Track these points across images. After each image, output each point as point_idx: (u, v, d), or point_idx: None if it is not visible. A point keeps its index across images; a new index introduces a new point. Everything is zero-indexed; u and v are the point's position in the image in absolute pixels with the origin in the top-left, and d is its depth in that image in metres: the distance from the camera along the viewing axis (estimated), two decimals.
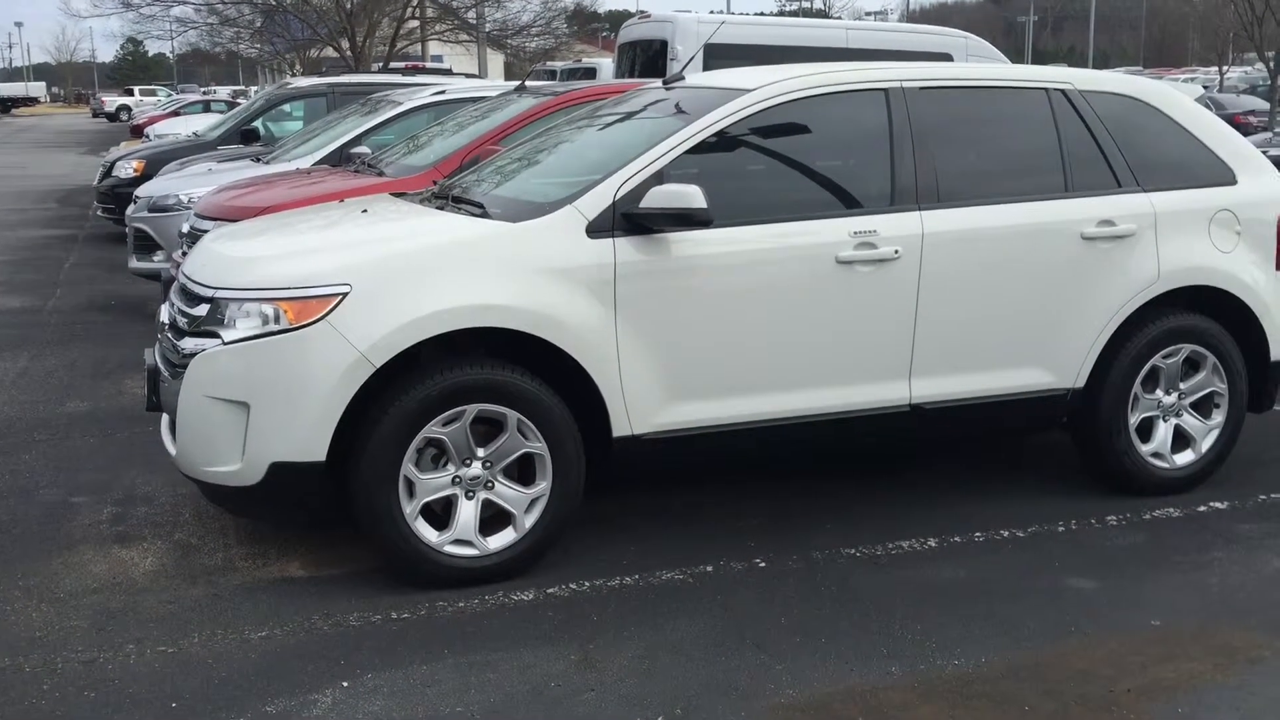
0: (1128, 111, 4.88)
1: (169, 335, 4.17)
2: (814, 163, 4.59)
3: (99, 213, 13.56)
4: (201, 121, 19.16)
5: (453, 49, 29.36)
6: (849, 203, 4.51)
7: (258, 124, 12.95)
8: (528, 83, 8.24)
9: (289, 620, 3.76)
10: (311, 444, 3.80)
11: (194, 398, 3.89)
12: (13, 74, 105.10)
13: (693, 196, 4.00)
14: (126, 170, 12.69)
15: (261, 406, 3.80)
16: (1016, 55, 43.93)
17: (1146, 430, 4.86)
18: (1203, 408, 4.93)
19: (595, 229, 4.08)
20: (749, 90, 4.46)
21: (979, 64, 10.09)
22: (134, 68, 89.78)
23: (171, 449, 4.14)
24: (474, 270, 3.95)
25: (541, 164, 4.90)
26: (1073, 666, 3.50)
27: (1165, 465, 4.88)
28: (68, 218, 15.76)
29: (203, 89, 52.18)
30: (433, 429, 3.89)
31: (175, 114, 27.30)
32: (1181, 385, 4.88)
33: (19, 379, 6.92)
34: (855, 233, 4.36)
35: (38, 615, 3.80)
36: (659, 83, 5.24)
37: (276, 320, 3.81)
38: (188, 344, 3.97)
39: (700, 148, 4.30)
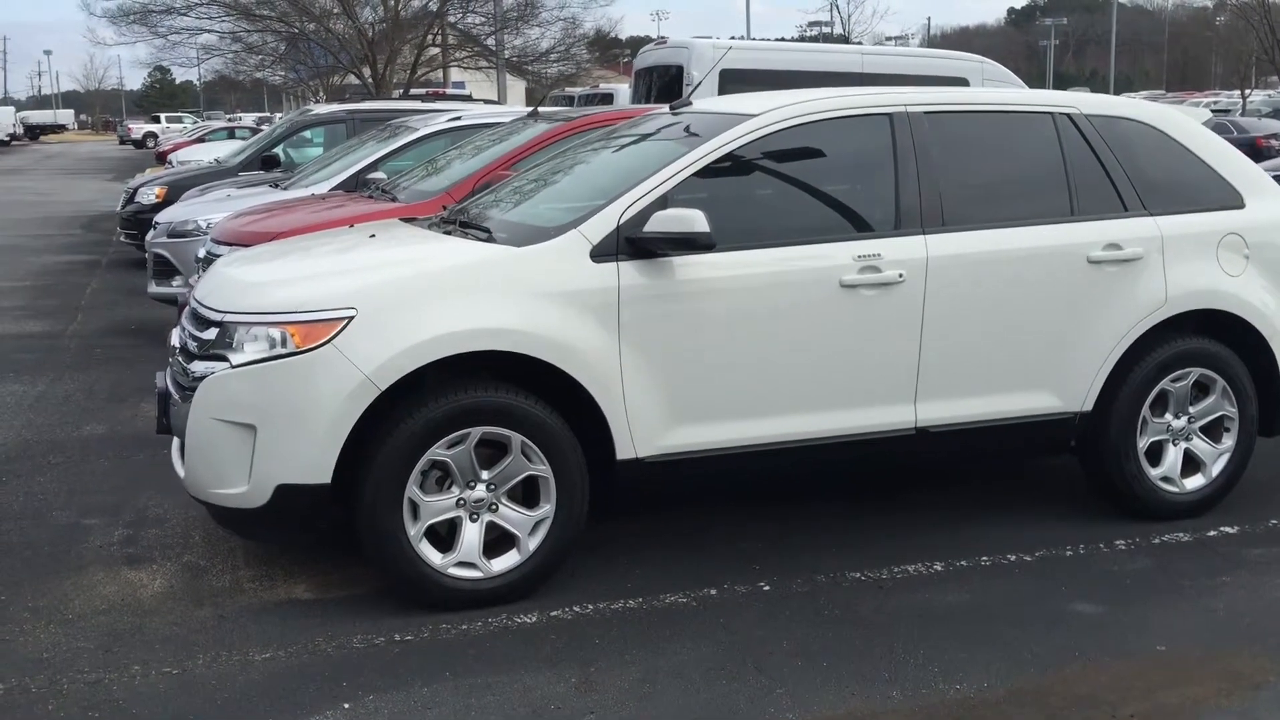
0: (1133, 135, 4.88)
1: (179, 359, 4.23)
2: (818, 187, 4.61)
3: (122, 238, 13.71)
4: (226, 148, 19.37)
5: (477, 75, 29.64)
6: (853, 227, 4.53)
7: (278, 150, 13.07)
8: (540, 109, 8.30)
9: (293, 642, 3.78)
10: (317, 466, 3.83)
11: (202, 420, 3.93)
12: (42, 101, 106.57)
13: (695, 221, 4.03)
14: (149, 196, 12.83)
15: (268, 429, 3.84)
16: (1038, 79, 43.86)
17: (1156, 454, 4.84)
18: (1213, 432, 4.91)
19: (599, 253, 4.11)
20: (753, 115, 4.49)
21: (988, 89, 10.11)
22: (161, 95, 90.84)
23: (181, 471, 4.18)
24: (478, 294, 3.99)
25: (548, 189, 4.94)
26: (1075, 691, 3.48)
27: (1175, 490, 4.85)
28: (91, 243, 15.95)
29: (228, 116, 52.75)
30: (437, 451, 3.92)
31: (200, 140, 27.63)
32: (1191, 409, 4.86)
33: (37, 403, 7.00)
34: (859, 256, 4.37)
35: (45, 636, 3.84)
36: (666, 108, 5.28)
37: (283, 344, 3.86)
38: (197, 367, 4.02)
39: (705, 172, 4.33)
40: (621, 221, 4.15)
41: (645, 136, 4.98)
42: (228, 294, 4.16)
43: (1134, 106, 5.09)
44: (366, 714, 3.34)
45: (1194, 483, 4.88)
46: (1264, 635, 3.84)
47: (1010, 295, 4.57)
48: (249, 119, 43.02)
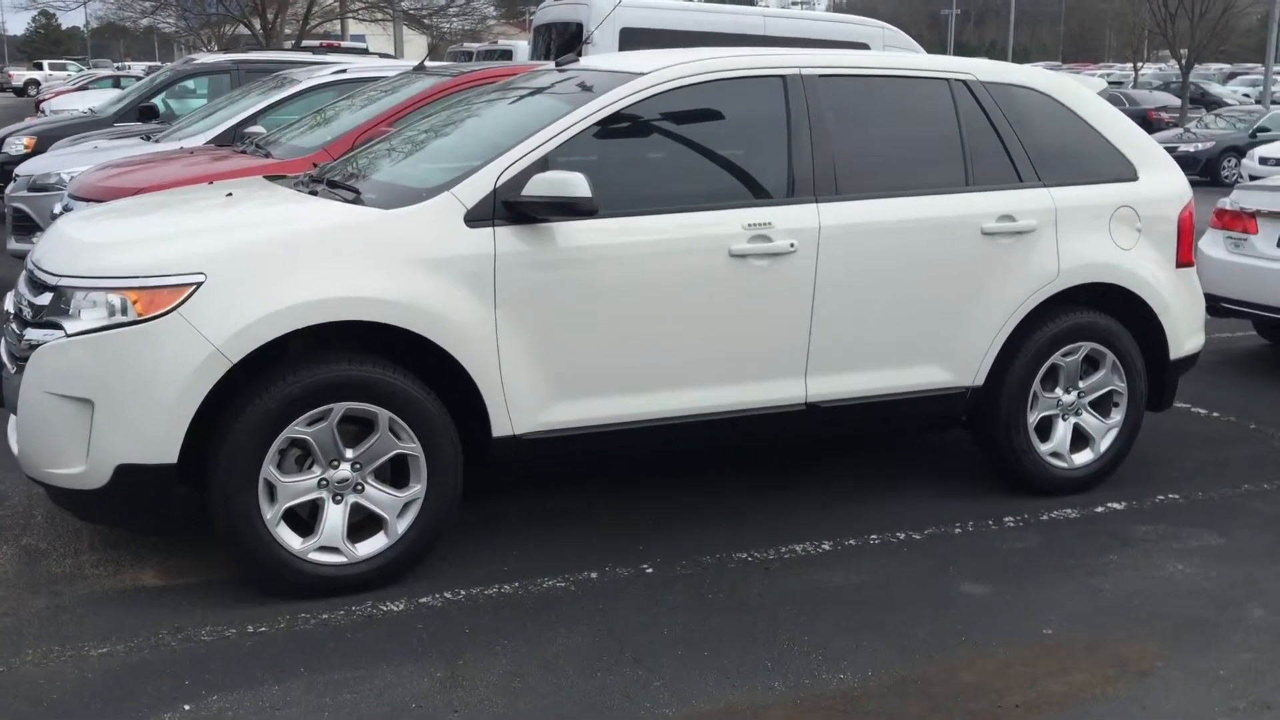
0: (1029, 104, 4.77)
1: (13, 325, 3.87)
2: (708, 151, 4.40)
3: None
4: (107, 97, 18.44)
5: (376, 29, 28.74)
6: (744, 193, 4.34)
7: (158, 100, 12.43)
8: (428, 63, 7.95)
9: (135, 635, 3.49)
10: (161, 445, 3.53)
11: (35, 393, 3.60)
12: None
13: (576, 185, 3.80)
14: (17, 146, 12.11)
15: (107, 404, 3.52)
16: (940, 48, 44.27)
17: (1046, 429, 4.77)
18: (1102, 407, 4.86)
19: (475, 218, 3.85)
20: (642, 74, 4.26)
21: (886, 54, 10.00)
22: (46, 40, 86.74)
23: (15, 448, 3.84)
24: (340, 260, 3.70)
25: (425, 148, 4.64)
26: (961, 680, 3.37)
27: (1064, 465, 4.80)
28: None
29: (116, 64, 50.55)
30: (296, 428, 3.65)
31: (82, 89, 26.33)
32: (1081, 384, 4.79)
33: None
34: (750, 225, 4.18)
35: None
36: (552, 64, 5.02)
37: (123, 311, 3.53)
38: (31, 335, 3.67)
39: (588, 133, 4.09)
40: (499, 184, 3.89)
41: (529, 94, 4.71)
42: (65, 256, 3.81)
43: (1030, 75, 4.97)
44: (208, 716, 3.07)
45: (1082, 458, 4.83)
46: (1150, 618, 3.78)
47: (903, 267, 4.44)
48: (138, 68, 41.26)
